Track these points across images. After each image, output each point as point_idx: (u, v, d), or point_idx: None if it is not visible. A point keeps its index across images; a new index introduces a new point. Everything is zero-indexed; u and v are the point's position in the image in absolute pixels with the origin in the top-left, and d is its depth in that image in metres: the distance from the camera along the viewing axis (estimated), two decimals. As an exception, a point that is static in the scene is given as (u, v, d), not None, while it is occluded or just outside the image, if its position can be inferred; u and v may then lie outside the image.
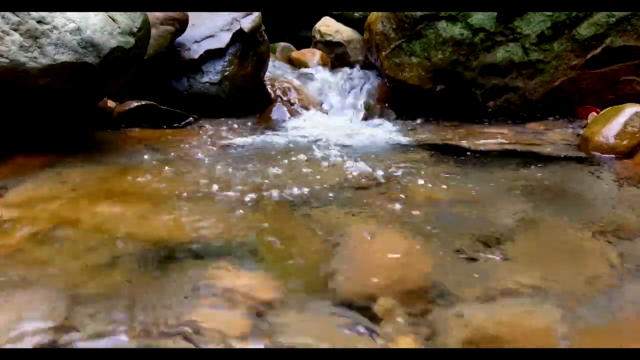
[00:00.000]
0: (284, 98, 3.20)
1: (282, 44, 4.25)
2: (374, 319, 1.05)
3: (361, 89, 3.26)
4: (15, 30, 1.84)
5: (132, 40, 2.08)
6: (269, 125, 2.85)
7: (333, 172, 1.97)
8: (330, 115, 3.12)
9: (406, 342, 0.97)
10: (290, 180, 1.85)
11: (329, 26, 4.16)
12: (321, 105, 3.20)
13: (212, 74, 2.93)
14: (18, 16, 1.84)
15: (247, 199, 1.66)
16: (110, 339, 0.96)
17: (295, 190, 1.74)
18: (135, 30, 2.10)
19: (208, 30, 3.02)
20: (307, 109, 3.14)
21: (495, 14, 2.81)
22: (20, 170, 1.86)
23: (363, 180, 1.89)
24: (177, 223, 1.45)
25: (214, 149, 2.31)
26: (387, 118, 3.09)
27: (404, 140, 2.56)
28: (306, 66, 3.82)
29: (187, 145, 2.33)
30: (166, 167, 1.96)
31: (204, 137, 2.52)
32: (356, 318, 1.05)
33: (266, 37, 3.19)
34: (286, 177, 1.89)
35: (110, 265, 1.22)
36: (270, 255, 1.30)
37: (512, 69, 2.88)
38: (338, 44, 4.11)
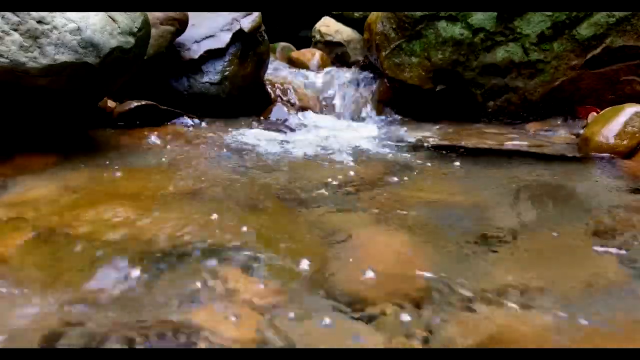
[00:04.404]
0: (284, 98, 3.20)
1: (282, 44, 4.25)
2: (374, 318, 1.05)
3: (361, 89, 3.26)
4: (15, 30, 1.84)
5: (132, 40, 2.08)
6: (269, 125, 2.85)
7: (332, 172, 1.97)
8: (330, 115, 3.12)
9: (405, 342, 0.97)
10: (289, 179, 1.85)
11: (329, 26, 4.16)
12: (321, 105, 3.20)
13: (212, 74, 2.93)
14: (18, 16, 1.84)
15: (246, 198, 1.66)
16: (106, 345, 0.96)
17: (294, 190, 1.74)
18: (135, 30, 2.10)
19: (208, 30, 3.02)
20: (307, 109, 3.14)
21: (495, 14, 2.81)
22: (20, 170, 1.86)
23: (362, 180, 1.89)
24: (176, 223, 1.45)
25: (214, 149, 2.31)
26: (386, 118, 3.09)
27: (403, 140, 2.56)
28: (306, 66, 3.82)
29: (186, 146, 2.33)
30: (166, 168, 1.96)
31: (204, 137, 2.52)
32: (356, 318, 1.05)
33: (266, 37, 3.19)
34: (285, 176, 1.89)
35: (109, 267, 1.22)
36: (269, 255, 1.30)
37: (512, 69, 2.88)
38: (338, 44, 4.11)
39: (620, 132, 2.23)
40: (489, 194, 1.77)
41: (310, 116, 3.05)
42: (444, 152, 2.33)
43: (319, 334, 1.01)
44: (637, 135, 2.20)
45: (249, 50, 3.04)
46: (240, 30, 2.99)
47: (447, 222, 1.52)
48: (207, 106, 2.90)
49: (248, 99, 3.06)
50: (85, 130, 2.42)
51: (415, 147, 2.40)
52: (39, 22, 1.87)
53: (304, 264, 1.25)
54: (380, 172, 1.99)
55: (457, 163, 2.14)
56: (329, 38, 4.12)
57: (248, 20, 3.03)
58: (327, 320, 1.04)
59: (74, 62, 1.92)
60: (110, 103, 2.67)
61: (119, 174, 1.88)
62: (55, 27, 1.88)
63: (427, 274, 1.22)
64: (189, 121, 2.75)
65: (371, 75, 3.34)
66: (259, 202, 1.64)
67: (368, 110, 3.14)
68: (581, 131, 2.52)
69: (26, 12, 1.85)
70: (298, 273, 1.22)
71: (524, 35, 2.82)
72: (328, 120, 3.04)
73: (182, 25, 2.90)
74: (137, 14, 2.15)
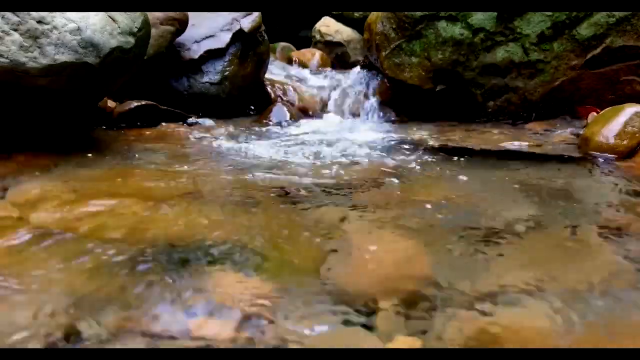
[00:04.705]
0: (284, 98, 3.20)
1: (282, 44, 4.25)
2: (373, 318, 1.05)
3: (361, 89, 3.26)
4: (15, 30, 1.84)
5: (132, 40, 2.08)
6: (269, 125, 2.85)
7: (331, 172, 1.97)
8: (330, 115, 3.13)
9: (404, 342, 0.97)
10: (288, 180, 1.85)
11: (329, 26, 4.17)
12: (321, 105, 3.20)
13: (212, 74, 2.93)
14: (18, 16, 1.84)
15: (246, 198, 1.66)
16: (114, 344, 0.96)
17: (293, 191, 1.74)
18: (135, 30, 2.10)
19: (208, 30, 3.02)
20: (307, 109, 3.14)
21: (495, 14, 2.82)
22: (20, 170, 1.86)
23: (362, 180, 1.89)
24: (176, 223, 1.45)
25: (214, 148, 2.31)
26: (386, 118, 3.09)
27: (403, 140, 2.56)
28: (306, 66, 3.83)
29: (186, 146, 2.33)
30: (165, 167, 1.96)
31: (204, 137, 2.52)
32: (355, 318, 1.05)
33: (266, 37, 3.19)
34: (284, 177, 1.89)
35: (110, 267, 1.22)
36: (268, 254, 1.30)
37: (512, 69, 2.88)
38: (338, 44, 4.12)
39: (620, 132, 2.23)
40: (489, 194, 1.77)
41: (310, 116, 3.05)
42: (444, 152, 2.33)
43: (318, 334, 1.01)
44: (637, 135, 2.20)
45: (249, 50, 3.04)
46: (240, 30, 2.99)
47: (447, 222, 1.52)
48: (207, 106, 2.90)
49: (248, 99, 3.06)
50: (85, 130, 2.42)
51: (415, 148, 2.40)
52: (39, 22, 1.87)
53: (303, 265, 1.25)
54: (380, 172, 1.99)
55: (457, 163, 2.14)
56: (329, 38, 4.12)
57: (248, 20, 3.03)
58: (326, 320, 1.04)
59: (74, 62, 1.92)
60: (110, 103, 2.67)
61: (118, 173, 1.88)
62: (55, 27, 1.88)
63: (428, 274, 1.22)
64: (189, 121, 2.75)
65: (371, 75, 3.34)
66: (258, 202, 1.64)
67: (368, 110, 3.14)
68: (581, 131, 2.52)
69: (26, 12, 1.85)
70: (296, 273, 1.22)
71: (524, 35, 2.82)
72: (328, 120, 3.04)
73: (182, 25, 2.90)
74: (137, 14, 2.15)
